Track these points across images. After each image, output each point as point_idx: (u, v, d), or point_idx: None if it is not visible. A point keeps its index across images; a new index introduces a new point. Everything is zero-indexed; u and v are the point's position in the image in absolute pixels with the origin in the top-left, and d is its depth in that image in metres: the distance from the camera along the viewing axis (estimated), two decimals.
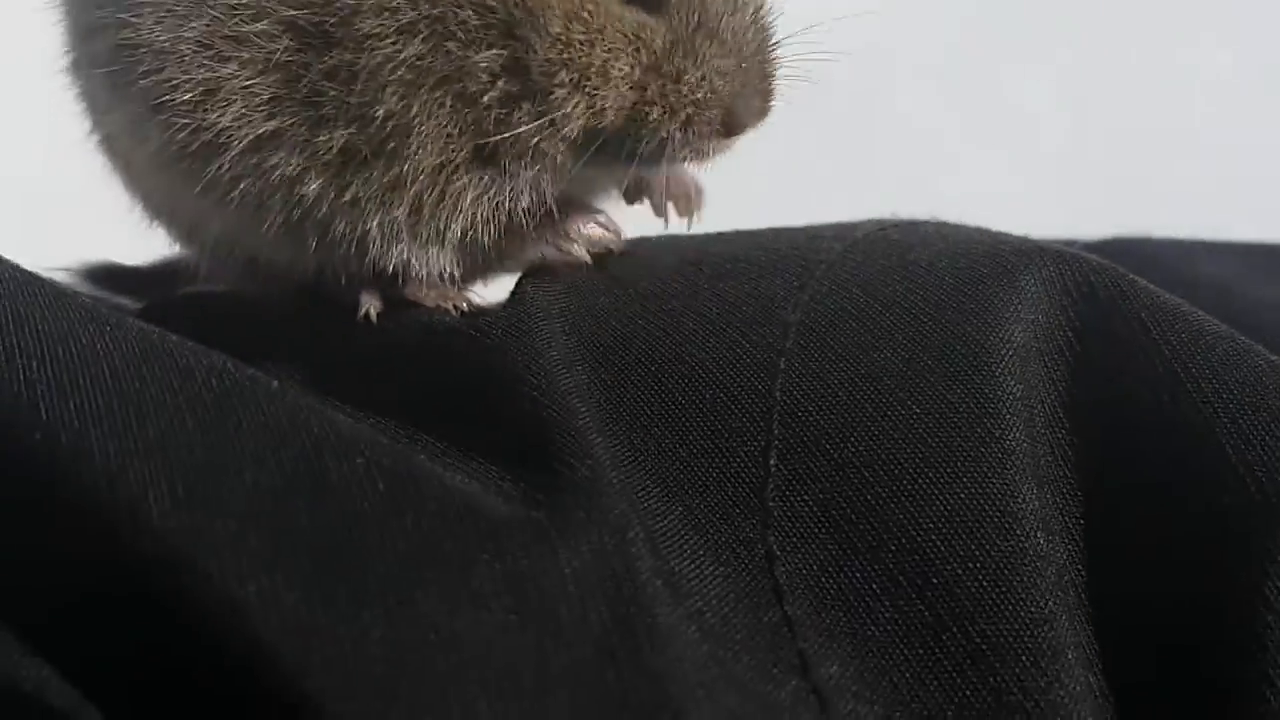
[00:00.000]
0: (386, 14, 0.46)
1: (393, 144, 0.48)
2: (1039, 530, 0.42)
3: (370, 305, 0.51)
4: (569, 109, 0.48)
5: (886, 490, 0.42)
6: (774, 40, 0.52)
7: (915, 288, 0.48)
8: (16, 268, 0.44)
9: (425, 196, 0.49)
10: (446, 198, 0.49)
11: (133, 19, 0.49)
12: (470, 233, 0.51)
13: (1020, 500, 0.42)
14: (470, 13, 0.47)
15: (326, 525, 0.37)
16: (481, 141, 0.48)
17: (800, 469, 0.43)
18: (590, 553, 0.38)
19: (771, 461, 0.44)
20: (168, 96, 0.48)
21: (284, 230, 0.50)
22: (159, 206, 0.57)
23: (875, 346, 0.46)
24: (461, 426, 0.44)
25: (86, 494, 0.37)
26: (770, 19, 0.52)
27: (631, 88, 0.49)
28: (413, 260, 0.51)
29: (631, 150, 0.50)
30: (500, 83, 0.48)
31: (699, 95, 0.50)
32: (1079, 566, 0.43)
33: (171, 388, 0.40)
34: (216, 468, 0.38)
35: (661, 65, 0.49)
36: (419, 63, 0.47)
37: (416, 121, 0.47)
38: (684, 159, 0.51)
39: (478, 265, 0.54)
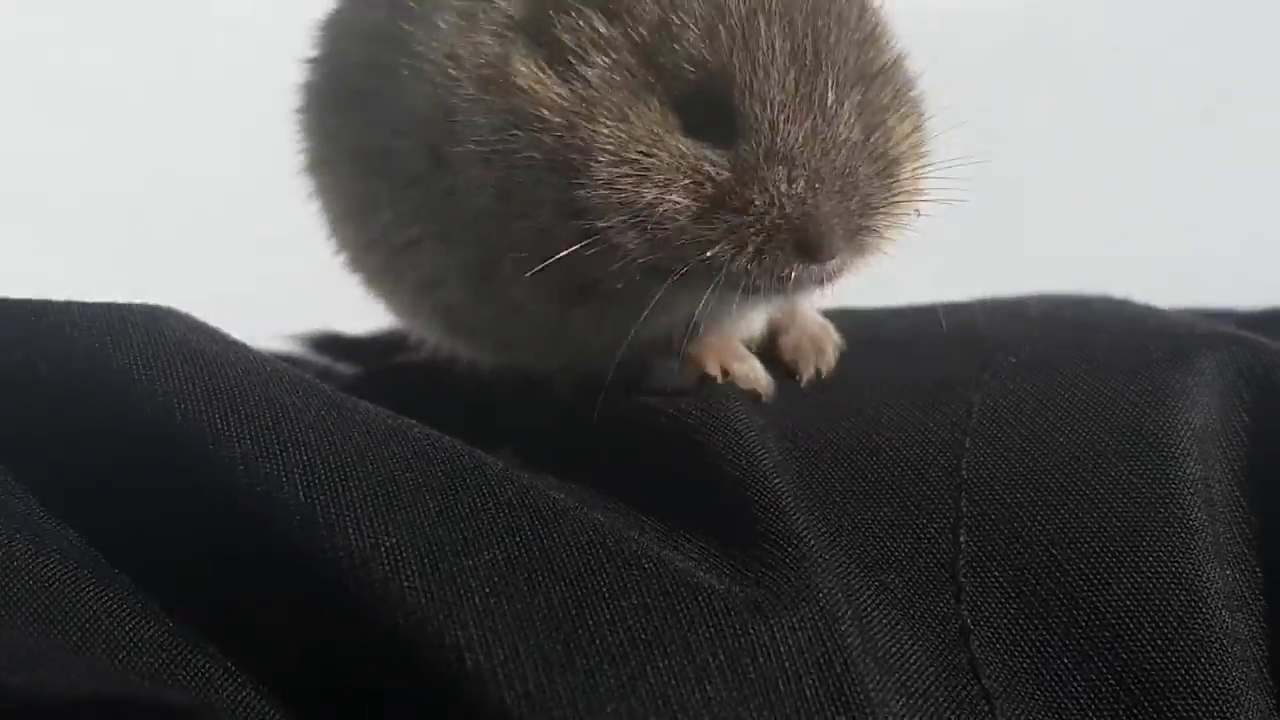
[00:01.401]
0: (473, 141, 0.48)
1: (499, 271, 0.49)
2: (1224, 608, 0.43)
3: (562, 385, 0.54)
4: (626, 243, 0.47)
5: (1075, 567, 0.44)
6: (882, 165, 0.49)
7: (1093, 371, 0.50)
8: (271, 359, 0.48)
9: (540, 323, 0.51)
10: (566, 326, 0.50)
11: (318, 138, 0.56)
12: (602, 354, 0.50)
13: (1206, 579, 0.44)
14: (535, 151, 0.47)
15: (561, 603, 0.40)
16: (567, 286, 0.49)
17: (990, 545, 0.45)
18: (803, 630, 0.40)
19: (961, 537, 0.45)
20: (347, 203, 0.54)
21: (445, 322, 0.55)
22: (368, 285, 0.60)
23: (1057, 428, 0.48)
24: (667, 503, 0.47)
25: (342, 574, 0.40)
26: (883, 134, 0.49)
27: (693, 220, 0.47)
28: (552, 365, 0.52)
29: (710, 283, 0.48)
30: (567, 222, 0.47)
31: (765, 222, 0.46)
32: (1260, 642, 0.44)
33: (410, 469, 0.44)
34: (458, 547, 0.41)
35: (727, 198, 0.47)
36: (499, 192, 0.48)
37: (507, 253, 0.49)
38: (771, 290, 0.48)
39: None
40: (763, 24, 0.47)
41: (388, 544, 0.41)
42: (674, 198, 0.47)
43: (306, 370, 0.60)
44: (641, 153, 0.47)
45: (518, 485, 0.44)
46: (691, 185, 0.47)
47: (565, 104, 0.47)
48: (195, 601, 0.42)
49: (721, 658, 0.39)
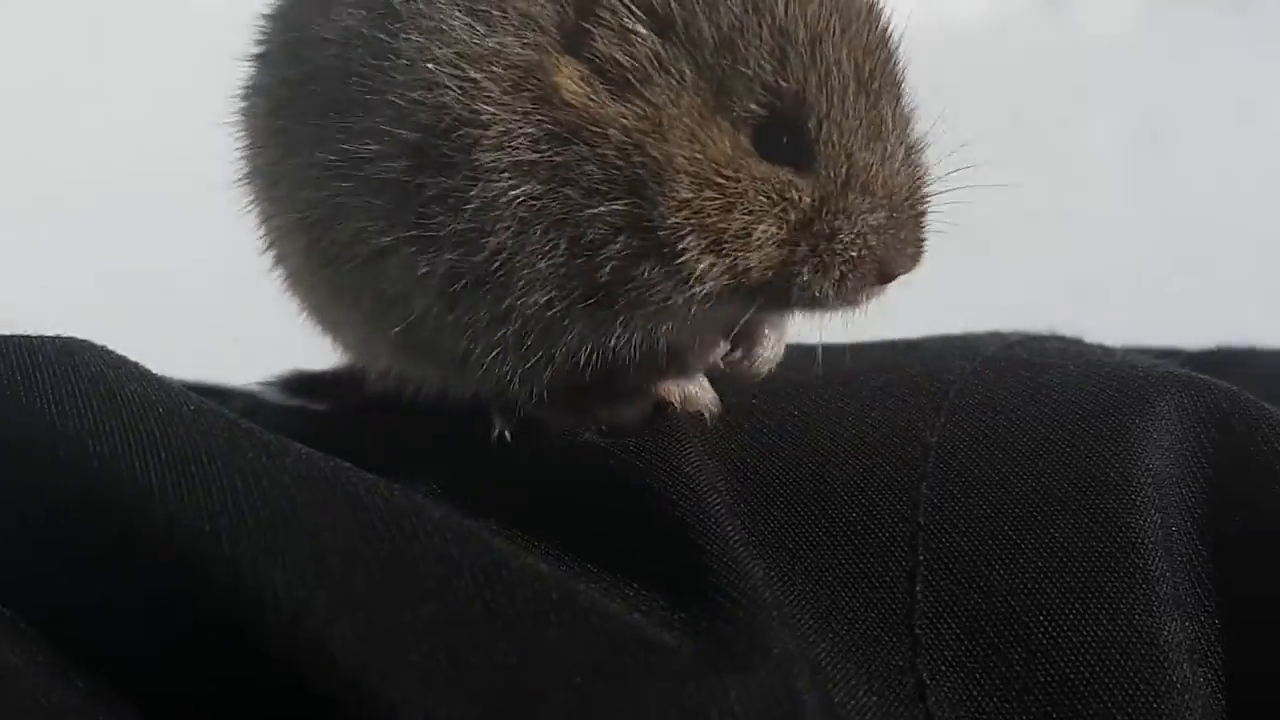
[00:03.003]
0: (506, 149, 0.46)
1: (501, 276, 0.47)
2: (1184, 661, 0.42)
3: (503, 425, 0.51)
4: (702, 270, 0.46)
5: (1033, 620, 0.42)
6: (926, 181, 0.50)
7: (1050, 413, 0.48)
8: (195, 399, 0.45)
9: (530, 328, 0.48)
10: (552, 333, 0.48)
11: (271, 144, 0.52)
12: (571, 366, 0.49)
13: (1166, 632, 0.42)
14: (594, 166, 0.46)
15: (504, 660, 0.38)
16: (596, 289, 0.47)
17: (946, 596, 0.43)
18: (758, 686, 0.38)
19: (918, 588, 0.44)
20: (302, 213, 0.50)
21: (400, 341, 0.51)
22: (312, 308, 0.58)
23: (1014, 473, 0.46)
24: (616, 551, 0.45)
25: (273, 628, 0.37)
26: (923, 158, 0.50)
27: (779, 246, 0.47)
28: (514, 383, 0.50)
29: (781, 302, 0.49)
30: (622, 237, 0.46)
31: (853, 254, 0.48)
32: (1219, 696, 0.43)
33: (346, 517, 0.41)
34: (395, 601, 0.38)
35: (812, 224, 0.47)
36: (533, 203, 0.46)
37: (527, 258, 0.47)
38: (837, 308, 0.50)
39: (581, 390, 0.52)
40: (830, 47, 0.47)
41: (320, 598, 0.38)
42: (764, 225, 0.47)
43: (276, 412, 0.58)
44: (725, 177, 0.46)
45: (459, 533, 0.41)
46: (779, 212, 0.47)
47: (628, 123, 0.46)
48: (109, 659, 0.39)
49: (673, 717, 0.37)
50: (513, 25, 0.47)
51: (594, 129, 0.46)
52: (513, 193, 0.46)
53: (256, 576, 0.38)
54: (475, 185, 0.46)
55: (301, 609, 0.38)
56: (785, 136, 0.48)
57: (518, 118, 0.46)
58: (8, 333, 0.45)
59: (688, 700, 0.38)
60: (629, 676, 0.38)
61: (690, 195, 0.46)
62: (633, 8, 0.47)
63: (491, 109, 0.46)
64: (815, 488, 0.47)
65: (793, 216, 0.47)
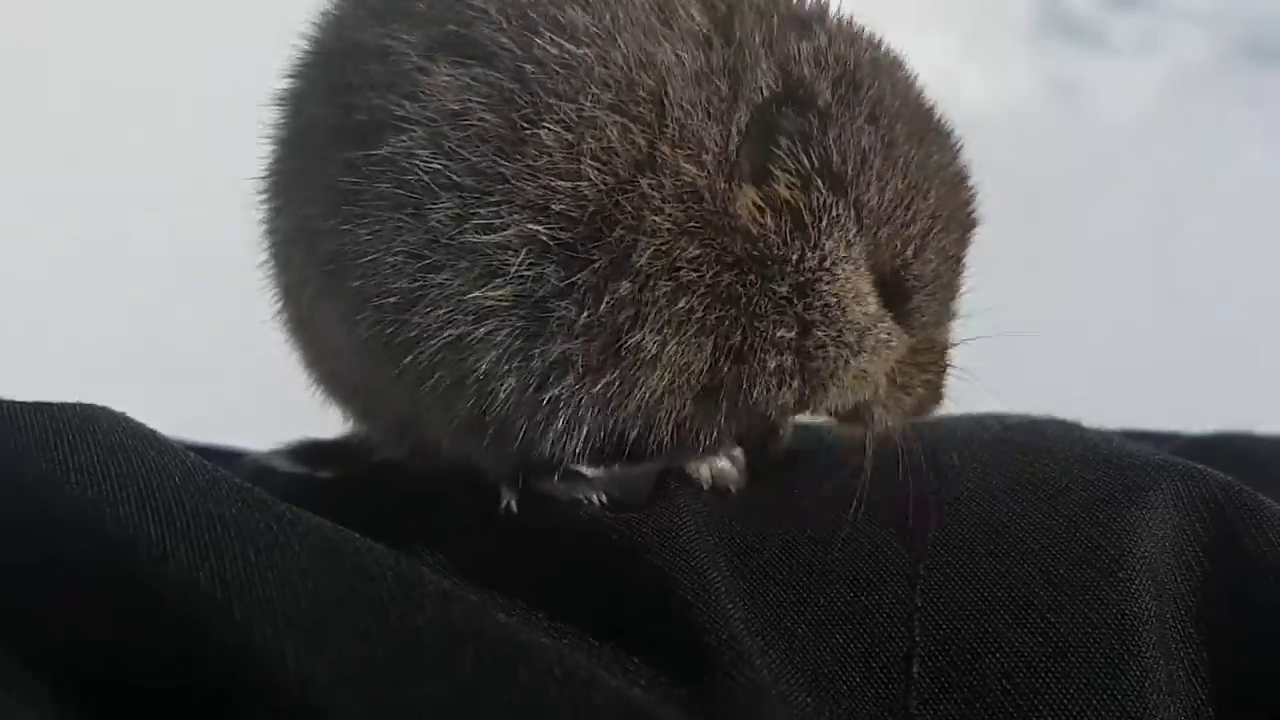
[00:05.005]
0: (664, 257, 0.47)
1: (634, 372, 0.48)
2: None
3: (510, 497, 0.52)
4: (831, 401, 0.51)
5: (1028, 705, 0.42)
6: (955, 345, 0.55)
7: (1045, 499, 0.49)
8: (210, 467, 0.45)
9: (635, 409, 0.49)
10: (651, 411, 0.49)
11: (350, 229, 0.50)
12: (637, 442, 0.50)
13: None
14: (765, 299, 0.48)
15: None
16: (715, 388, 0.49)
17: (943, 678, 0.44)
18: None
19: (914, 669, 0.44)
20: (374, 300, 0.49)
21: (468, 420, 0.50)
22: (344, 385, 0.57)
23: (1011, 557, 0.46)
24: (617, 624, 0.45)
25: (279, 698, 0.38)
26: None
27: (874, 388, 0.52)
28: (570, 457, 0.50)
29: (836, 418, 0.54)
30: (785, 357, 0.49)
31: (908, 405, 0.53)
32: None
33: (353, 589, 0.41)
34: (400, 674, 0.39)
35: (896, 375, 0.52)
36: (689, 315, 0.47)
37: (666, 356, 0.48)
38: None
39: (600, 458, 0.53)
40: (950, 236, 0.52)
41: (325, 670, 0.38)
42: (878, 374, 0.52)
43: (283, 479, 0.59)
44: (876, 329, 0.51)
45: (464, 606, 0.42)
46: (890, 361, 0.52)
47: (805, 264, 0.49)
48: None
49: None
50: (682, 142, 0.47)
51: (771, 263, 0.48)
52: (671, 305, 0.47)
53: (266, 645, 0.39)
54: (618, 283, 0.47)
55: (308, 680, 0.38)
56: (897, 297, 0.52)
57: (681, 233, 0.47)
58: (30, 400, 0.46)
59: None
60: None
61: (854, 340, 0.50)
62: (814, 158, 0.49)
63: (654, 218, 0.47)
64: (812, 566, 0.47)
65: (891, 366, 0.52)
